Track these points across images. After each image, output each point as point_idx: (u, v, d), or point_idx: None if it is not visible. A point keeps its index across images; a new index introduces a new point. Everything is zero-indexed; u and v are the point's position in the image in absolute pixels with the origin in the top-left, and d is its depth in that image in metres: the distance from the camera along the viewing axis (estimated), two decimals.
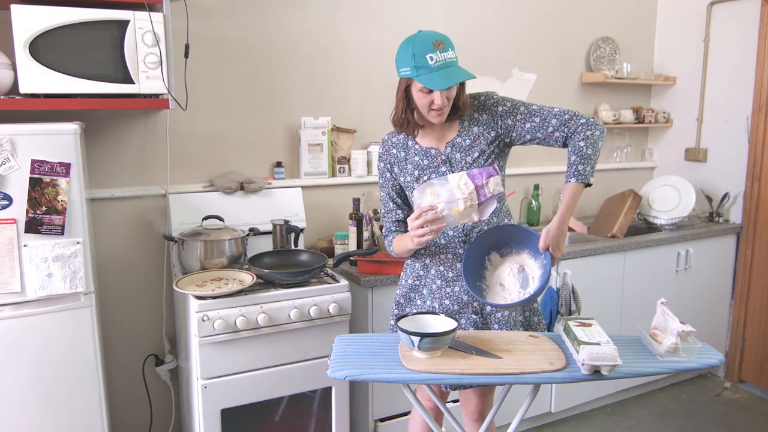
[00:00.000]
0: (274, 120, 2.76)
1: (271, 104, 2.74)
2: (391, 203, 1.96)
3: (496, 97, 1.87)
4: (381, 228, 2.73)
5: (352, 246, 2.64)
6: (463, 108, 1.83)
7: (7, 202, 1.84)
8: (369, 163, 2.93)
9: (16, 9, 1.90)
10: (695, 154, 3.67)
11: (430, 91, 1.72)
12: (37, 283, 1.89)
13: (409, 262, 1.99)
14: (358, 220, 2.62)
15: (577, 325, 1.68)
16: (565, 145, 1.81)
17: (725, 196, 3.49)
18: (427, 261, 1.92)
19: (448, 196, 1.67)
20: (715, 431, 3.03)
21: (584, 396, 3.08)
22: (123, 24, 2.03)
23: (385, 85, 2.98)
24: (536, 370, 1.56)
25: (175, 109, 2.33)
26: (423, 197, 1.70)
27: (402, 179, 1.91)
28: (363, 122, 2.95)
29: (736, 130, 3.45)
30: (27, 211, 1.86)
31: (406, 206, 1.96)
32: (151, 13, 2.06)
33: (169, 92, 2.14)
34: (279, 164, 2.76)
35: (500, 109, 1.83)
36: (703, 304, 3.43)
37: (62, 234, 1.91)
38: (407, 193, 1.92)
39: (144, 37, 2.06)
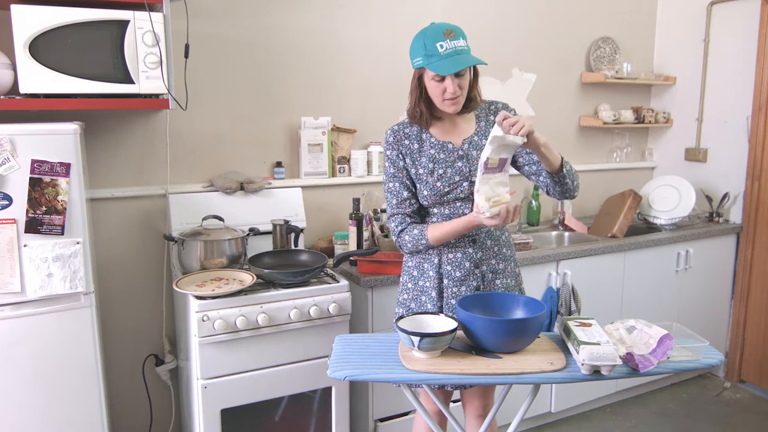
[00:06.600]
0: (274, 120, 2.76)
1: (271, 104, 2.74)
2: (405, 192, 1.88)
3: (513, 112, 1.92)
4: (381, 228, 2.74)
5: (352, 246, 2.64)
6: (477, 100, 1.86)
7: (7, 202, 1.84)
8: (369, 163, 2.93)
9: (16, 9, 1.90)
10: (695, 154, 3.67)
11: (443, 80, 1.74)
12: (37, 283, 1.89)
13: (414, 263, 1.96)
14: (358, 220, 2.62)
15: (577, 325, 1.68)
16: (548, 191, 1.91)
17: (725, 196, 3.49)
18: (437, 260, 1.91)
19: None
20: (715, 431, 3.03)
21: (584, 396, 3.08)
22: (123, 24, 2.03)
23: (385, 85, 2.98)
24: (536, 370, 1.56)
25: (175, 109, 2.33)
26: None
27: (413, 171, 1.88)
28: (363, 122, 2.95)
29: (736, 130, 3.45)
30: (27, 211, 1.86)
31: (417, 199, 1.91)
32: (151, 13, 2.06)
33: (169, 92, 2.14)
34: (279, 164, 2.76)
35: None
36: (703, 304, 3.43)
37: (62, 234, 1.91)
38: (417, 185, 1.89)
39: (144, 37, 2.06)
